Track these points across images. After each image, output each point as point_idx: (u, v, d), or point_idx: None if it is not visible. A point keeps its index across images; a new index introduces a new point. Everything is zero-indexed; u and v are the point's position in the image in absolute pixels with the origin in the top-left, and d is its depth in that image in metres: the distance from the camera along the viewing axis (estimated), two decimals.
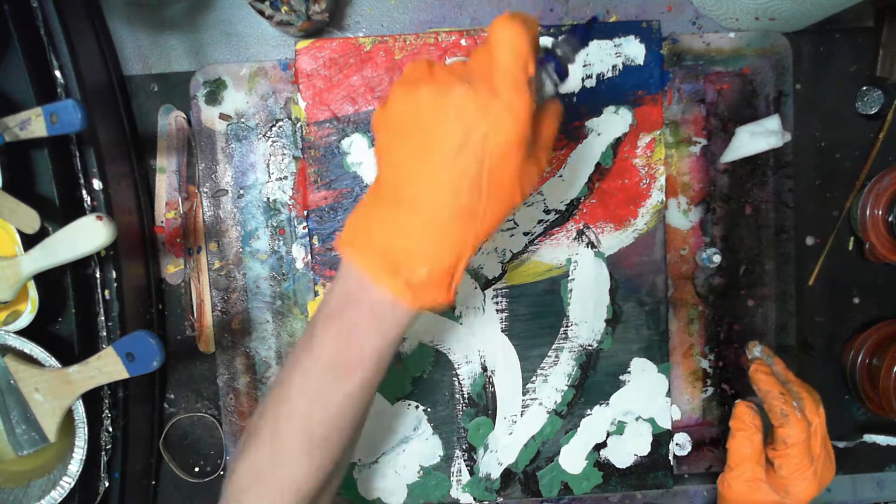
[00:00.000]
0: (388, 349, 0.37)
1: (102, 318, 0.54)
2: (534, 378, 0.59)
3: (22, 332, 0.51)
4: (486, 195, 0.34)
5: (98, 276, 0.53)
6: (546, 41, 0.41)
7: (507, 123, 0.32)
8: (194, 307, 0.62)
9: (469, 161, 0.33)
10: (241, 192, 0.60)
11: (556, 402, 0.60)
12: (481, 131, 0.32)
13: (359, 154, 0.57)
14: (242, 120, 0.60)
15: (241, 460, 0.41)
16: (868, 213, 0.61)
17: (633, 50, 0.57)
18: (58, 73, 0.51)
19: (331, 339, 0.37)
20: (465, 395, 0.59)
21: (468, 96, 0.32)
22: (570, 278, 0.59)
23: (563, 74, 0.38)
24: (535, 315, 0.59)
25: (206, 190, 0.60)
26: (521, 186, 0.35)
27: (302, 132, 0.57)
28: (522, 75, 0.33)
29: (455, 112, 0.33)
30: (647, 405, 0.60)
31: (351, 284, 0.37)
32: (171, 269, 0.62)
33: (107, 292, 0.54)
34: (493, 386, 0.59)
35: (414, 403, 0.59)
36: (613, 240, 0.59)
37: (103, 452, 0.54)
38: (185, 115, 0.60)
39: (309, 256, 0.60)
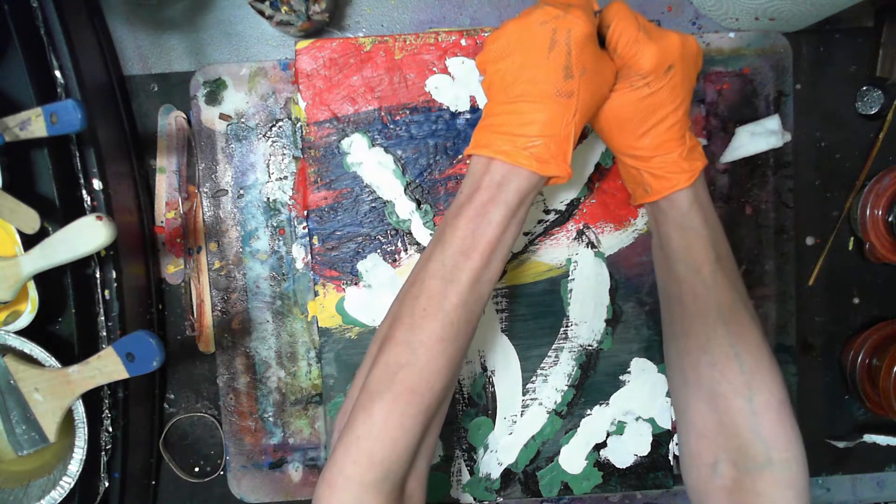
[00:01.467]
0: (512, 219, 0.43)
1: (102, 318, 0.54)
2: (534, 378, 0.59)
3: (22, 332, 0.51)
4: (577, 76, 0.42)
5: (98, 276, 0.53)
6: None
7: (581, 20, 0.41)
8: (194, 307, 0.62)
9: (560, 53, 0.41)
10: (241, 192, 0.60)
11: (556, 402, 0.60)
12: (565, 29, 0.41)
13: (359, 154, 0.57)
14: (242, 120, 0.60)
15: (373, 367, 0.43)
16: (868, 213, 0.61)
17: None
18: (58, 73, 0.51)
19: (463, 224, 0.42)
20: (465, 395, 0.59)
21: (548, 12, 0.42)
22: (570, 278, 0.59)
23: None
24: (535, 315, 0.59)
25: (206, 190, 0.60)
26: (602, 67, 0.43)
27: (302, 132, 0.57)
28: None
29: (540, 24, 0.42)
30: (647, 405, 0.60)
31: (476, 174, 0.43)
32: (171, 269, 0.62)
33: (107, 292, 0.54)
34: (492, 386, 0.59)
35: None
36: (613, 240, 0.59)
37: (103, 452, 0.55)
38: (185, 115, 0.60)
39: (309, 256, 0.60)
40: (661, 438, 0.60)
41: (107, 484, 0.55)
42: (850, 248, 0.65)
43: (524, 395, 0.59)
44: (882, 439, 0.62)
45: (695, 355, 0.44)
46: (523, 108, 0.42)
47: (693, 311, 0.45)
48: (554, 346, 0.59)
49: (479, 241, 0.42)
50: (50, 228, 0.51)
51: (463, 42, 0.57)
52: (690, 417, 0.45)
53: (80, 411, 0.51)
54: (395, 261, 0.58)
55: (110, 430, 0.55)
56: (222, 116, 0.59)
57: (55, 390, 0.50)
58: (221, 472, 0.63)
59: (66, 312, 0.53)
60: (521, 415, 0.59)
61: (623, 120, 0.46)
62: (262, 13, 0.55)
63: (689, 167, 0.45)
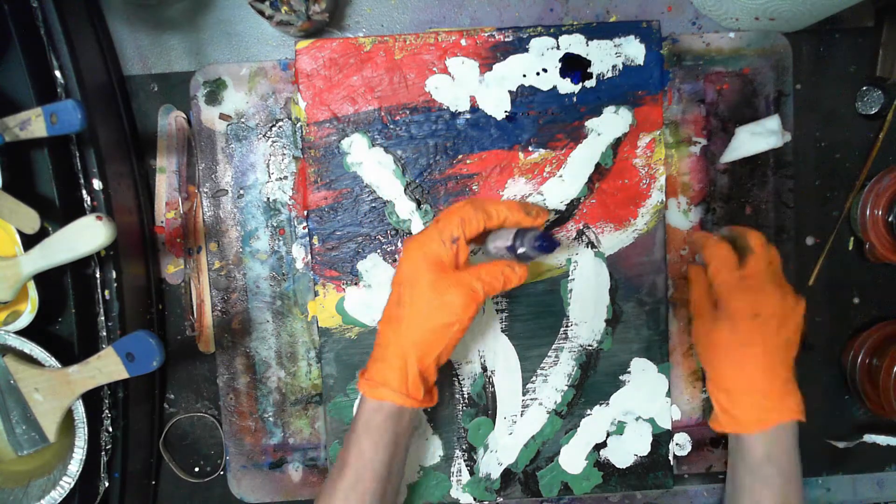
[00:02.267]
0: (381, 451, 0.49)
1: (102, 318, 0.54)
2: (534, 378, 0.59)
3: (22, 332, 0.51)
4: (406, 306, 0.49)
5: (98, 276, 0.53)
6: (522, 235, 0.50)
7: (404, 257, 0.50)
8: (194, 307, 0.62)
9: (393, 288, 0.51)
10: (241, 192, 0.60)
11: (556, 402, 0.60)
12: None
13: (359, 154, 0.57)
14: (242, 120, 0.60)
15: None
16: (868, 213, 0.61)
17: (633, 50, 0.57)
18: (58, 73, 0.51)
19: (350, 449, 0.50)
20: (465, 395, 0.59)
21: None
22: (570, 278, 0.59)
23: (515, 250, 0.50)
24: (535, 315, 0.59)
25: (206, 190, 0.60)
26: (433, 300, 0.48)
27: (302, 132, 0.57)
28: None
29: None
30: (647, 405, 0.60)
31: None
32: (171, 269, 0.62)
33: (107, 292, 0.54)
34: (492, 386, 0.59)
35: None
36: (613, 240, 0.59)
37: (103, 452, 0.55)
38: (185, 115, 0.60)
39: (309, 256, 0.60)
40: (661, 438, 0.60)
41: (107, 484, 0.55)
42: (850, 248, 0.65)
43: (524, 395, 0.59)
44: (882, 439, 0.62)
45: None
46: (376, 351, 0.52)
47: None
48: (554, 346, 0.59)
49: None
50: (50, 228, 0.51)
51: (463, 42, 0.57)
52: None
53: (80, 411, 0.51)
54: (395, 261, 0.58)
55: (110, 430, 0.55)
56: (222, 116, 0.59)
57: (55, 390, 0.50)
58: (221, 472, 0.63)
59: (66, 312, 0.53)
60: (521, 415, 0.59)
61: (714, 346, 0.52)
62: (262, 13, 0.55)
63: (762, 416, 0.49)
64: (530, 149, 0.58)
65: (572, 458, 0.60)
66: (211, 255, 0.60)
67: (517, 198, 0.58)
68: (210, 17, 0.60)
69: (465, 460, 0.60)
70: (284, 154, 0.60)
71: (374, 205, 0.58)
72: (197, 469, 0.64)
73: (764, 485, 0.50)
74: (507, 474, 0.60)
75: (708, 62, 0.61)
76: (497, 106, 0.57)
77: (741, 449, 0.51)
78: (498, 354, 0.59)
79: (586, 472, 0.60)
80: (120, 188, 0.56)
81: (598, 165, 0.58)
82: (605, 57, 0.57)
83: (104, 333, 0.54)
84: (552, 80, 0.57)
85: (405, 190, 0.58)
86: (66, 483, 0.52)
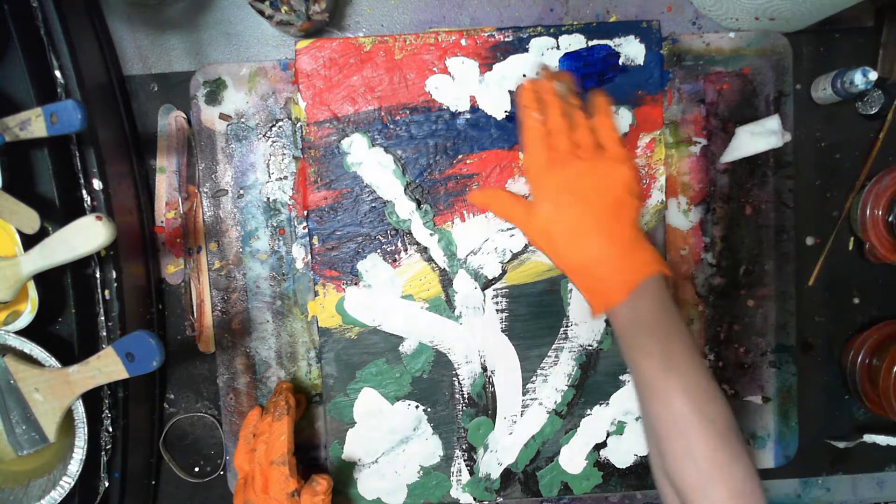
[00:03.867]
0: None
1: (102, 318, 0.54)
2: (534, 378, 0.59)
3: (22, 332, 0.51)
4: None
5: (98, 276, 0.53)
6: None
7: None
8: (194, 307, 0.62)
9: None
10: (241, 192, 0.60)
11: (556, 402, 0.59)
12: None
13: (359, 154, 0.57)
14: (242, 120, 0.60)
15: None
16: (868, 213, 0.61)
17: (633, 50, 0.57)
18: (58, 73, 0.51)
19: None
20: (465, 395, 0.59)
21: None
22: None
23: None
24: (535, 315, 0.59)
25: (206, 190, 0.60)
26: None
27: (302, 132, 0.57)
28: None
29: None
30: None
31: None
32: (171, 269, 0.62)
33: (107, 292, 0.54)
34: (492, 386, 0.59)
35: (414, 403, 0.59)
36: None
37: (103, 452, 0.54)
38: (185, 115, 0.60)
39: (309, 256, 0.60)
40: None
41: (107, 484, 0.55)
42: (851, 248, 0.65)
43: (524, 394, 0.59)
44: (882, 439, 0.62)
45: (661, 454, 0.45)
46: None
47: (649, 415, 0.45)
48: (554, 346, 0.59)
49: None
50: (50, 228, 0.51)
51: (463, 42, 0.57)
52: (667, 500, 0.46)
53: (79, 411, 0.51)
54: (394, 261, 0.58)
55: (110, 430, 0.55)
56: (222, 116, 0.59)
57: (55, 390, 0.50)
58: (221, 472, 0.63)
59: (66, 312, 0.53)
60: (521, 415, 0.59)
61: (546, 233, 0.48)
62: (262, 13, 0.55)
63: (619, 278, 0.46)
64: None
65: (572, 458, 0.60)
66: (211, 255, 0.60)
67: None
68: (210, 17, 0.60)
69: (465, 460, 0.60)
70: (284, 154, 0.60)
71: (374, 205, 0.58)
72: (197, 469, 0.64)
73: (641, 354, 0.45)
74: (507, 474, 0.60)
75: (708, 62, 0.61)
76: (497, 106, 0.57)
77: (614, 325, 0.47)
78: (498, 354, 0.59)
79: (586, 471, 0.60)
80: (120, 188, 0.56)
81: None
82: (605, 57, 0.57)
83: (104, 333, 0.54)
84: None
85: (405, 190, 0.58)
86: (66, 483, 0.52)
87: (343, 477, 0.59)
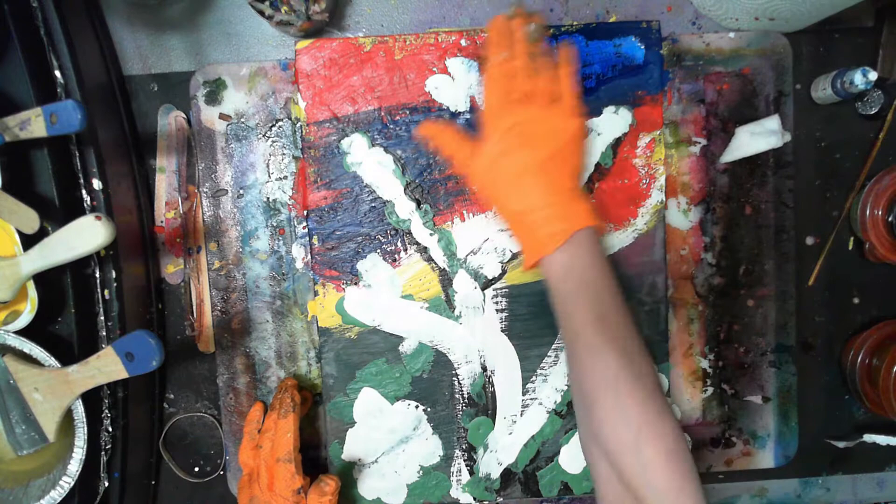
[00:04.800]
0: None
1: (102, 317, 0.54)
2: (533, 378, 0.59)
3: (21, 332, 0.51)
4: None
5: (98, 275, 0.53)
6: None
7: None
8: (194, 307, 0.62)
9: None
10: (241, 191, 0.60)
11: (555, 402, 0.59)
12: None
13: (359, 154, 0.57)
14: (242, 120, 0.60)
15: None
16: (868, 212, 0.61)
17: (633, 50, 0.57)
18: (58, 73, 0.51)
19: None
20: (465, 395, 0.59)
21: None
22: None
23: None
24: (535, 315, 0.59)
25: (205, 190, 0.60)
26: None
27: (302, 132, 0.57)
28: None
29: None
30: None
31: None
32: (171, 269, 0.62)
33: (106, 292, 0.54)
34: (492, 386, 0.59)
35: (414, 403, 0.59)
36: (613, 240, 0.59)
37: (103, 452, 0.54)
38: (184, 115, 0.60)
39: (309, 256, 0.60)
40: None
41: (106, 484, 0.55)
42: (850, 247, 0.65)
43: (524, 394, 0.59)
44: (882, 439, 0.62)
45: (590, 414, 0.44)
46: None
47: (580, 371, 0.44)
48: (554, 346, 0.59)
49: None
50: (49, 228, 0.51)
51: (463, 42, 0.57)
52: (598, 471, 0.44)
53: (79, 411, 0.51)
54: (394, 260, 0.58)
55: (110, 429, 0.55)
56: (222, 116, 0.59)
57: (55, 390, 0.50)
58: (221, 472, 0.63)
59: (66, 312, 0.53)
60: (521, 414, 0.59)
61: (488, 174, 0.48)
62: (262, 13, 0.55)
63: (553, 227, 0.45)
64: None
65: (572, 458, 0.60)
66: (211, 255, 0.60)
67: None
68: (210, 17, 0.60)
69: (464, 460, 0.60)
70: (284, 154, 0.60)
71: (373, 204, 0.58)
72: (197, 469, 0.64)
73: (574, 306, 0.45)
74: (507, 474, 0.60)
75: (708, 62, 0.61)
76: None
77: (547, 277, 0.47)
78: (498, 354, 0.59)
79: (586, 471, 0.60)
80: (120, 188, 0.56)
81: (597, 165, 0.58)
82: (604, 57, 0.57)
83: (104, 333, 0.54)
84: None
85: (405, 190, 0.58)
86: (66, 483, 0.52)
87: (343, 477, 0.59)
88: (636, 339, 0.44)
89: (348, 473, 0.59)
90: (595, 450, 0.44)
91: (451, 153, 0.50)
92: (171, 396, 0.63)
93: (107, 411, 0.54)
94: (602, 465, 0.44)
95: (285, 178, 0.60)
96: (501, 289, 0.59)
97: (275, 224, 0.61)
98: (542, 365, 0.59)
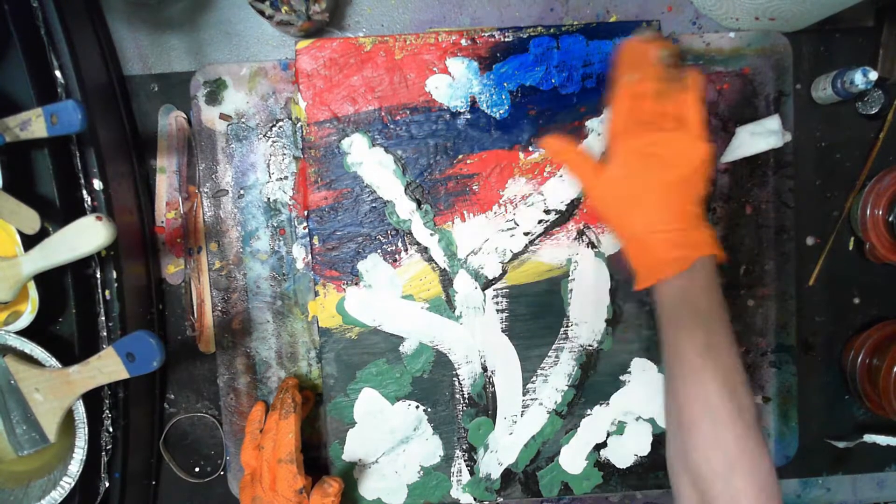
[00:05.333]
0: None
1: (103, 318, 0.54)
2: (534, 378, 0.59)
3: (22, 333, 0.51)
4: None
5: (98, 276, 0.53)
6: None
7: None
8: (194, 307, 0.62)
9: None
10: (242, 192, 0.60)
11: (556, 402, 0.60)
12: None
13: (359, 154, 0.57)
14: (243, 120, 0.60)
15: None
16: (868, 213, 0.61)
17: None
18: (58, 74, 0.51)
19: None
20: (466, 395, 0.59)
21: None
22: (570, 278, 0.59)
23: None
24: (536, 315, 0.59)
25: (206, 190, 0.60)
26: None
27: (302, 132, 0.57)
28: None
29: None
30: (647, 405, 0.60)
31: None
32: (172, 270, 0.62)
33: (107, 292, 0.54)
34: (493, 386, 0.59)
35: (414, 403, 0.59)
36: (614, 240, 0.59)
37: (103, 452, 0.55)
38: (185, 115, 0.60)
39: (309, 256, 0.60)
40: (661, 438, 0.60)
41: (107, 484, 0.55)
42: (851, 247, 0.65)
43: (524, 395, 0.59)
44: (882, 439, 0.62)
45: (685, 439, 0.44)
46: None
47: (680, 397, 0.45)
48: (554, 346, 0.59)
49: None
50: (50, 229, 0.51)
51: (463, 42, 0.57)
52: (682, 494, 0.45)
53: (80, 411, 0.51)
54: (395, 261, 0.58)
55: (111, 430, 0.55)
56: (222, 116, 0.59)
57: (55, 390, 0.50)
58: (222, 473, 0.63)
59: (67, 312, 0.53)
60: (522, 415, 0.59)
61: (611, 193, 0.48)
62: (262, 13, 0.55)
63: (672, 253, 0.45)
64: (530, 149, 0.58)
65: (572, 458, 0.60)
66: (211, 256, 0.60)
67: (517, 198, 0.58)
68: (210, 17, 0.60)
69: (465, 460, 0.60)
70: (285, 154, 0.60)
71: (374, 205, 0.58)
72: (197, 469, 0.64)
73: (683, 333, 0.45)
74: (508, 474, 0.60)
75: (708, 62, 0.61)
76: (497, 106, 0.57)
77: (660, 301, 0.47)
78: (498, 354, 0.59)
79: (587, 472, 0.60)
80: (120, 188, 0.56)
81: None
82: (605, 56, 0.57)
83: (104, 333, 0.54)
84: (552, 80, 0.57)
85: (405, 190, 0.58)
86: (67, 483, 0.52)
87: (344, 477, 0.59)
88: (741, 372, 0.45)
89: (349, 474, 0.59)
90: (683, 474, 0.45)
91: (574, 170, 0.50)
92: (172, 397, 0.63)
93: (107, 412, 0.54)
94: (687, 489, 0.44)
95: (286, 178, 0.60)
96: (502, 289, 0.59)
97: (275, 224, 0.61)
98: (542, 365, 0.59)
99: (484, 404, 0.59)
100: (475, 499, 0.60)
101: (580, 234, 0.59)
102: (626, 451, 0.60)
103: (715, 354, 0.44)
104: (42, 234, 0.49)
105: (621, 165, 0.47)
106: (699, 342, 0.44)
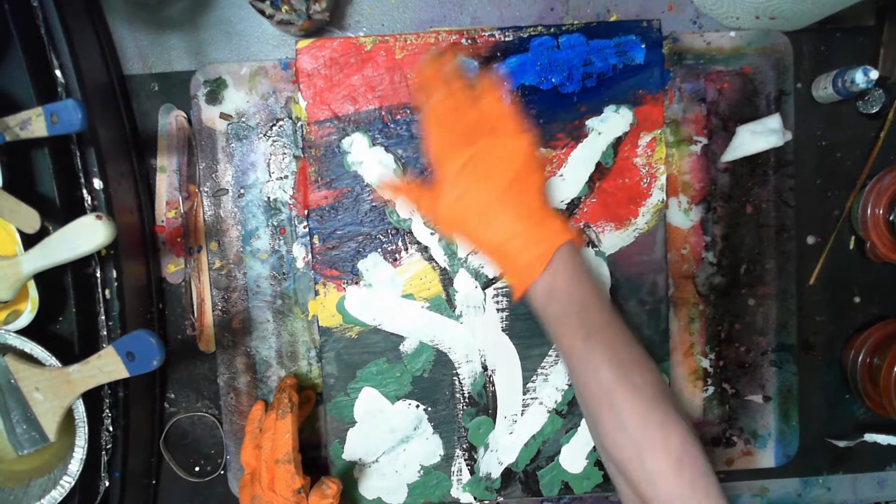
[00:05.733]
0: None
1: (103, 317, 0.54)
2: (534, 377, 0.59)
3: (22, 332, 0.51)
4: None
5: (98, 275, 0.53)
6: None
7: None
8: (195, 306, 0.62)
9: None
10: (242, 191, 0.60)
11: (556, 402, 0.59)
12: None
13: (359, 153, 0.57)
14: (243, 119, 0.60)
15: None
16: (869, 212, 0.61)
17: (634, 49, 0.57)
18: (58, 73, 0.51)
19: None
20: (466, 395, 0.59)
21: None
22: None
23: None
24: None
25: (206, 189, 0.60)
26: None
27: (302, 131, 0.57)
28: None
29: None
30: None
31: None
32: (172, 269, 0.62)
33: (107, 291, 0.54)
34: (493, 385, 0.59)
35: (414, 403, 0.59)
36: (614, 239, 0.59)
37: (103, 452, 0.55)
38: (185, 115, 0.60)
39: (309, 256, 0.60)
40: None
41: (107, 483, 0.55)
42: (852, 247, 0.65)
43: (525, 394, 0.59)
44: (883, 438, 0.62)
45: (595, 429, 0.44)
46: None
47: (578, 389, 0.45)
48: (554, 346, 0.59)
49: None
50: (50, 228, 0.51)
51: (463, 41, 0.57)
52: (616, 482, 0.45)
53: (80, 410, 0.51)
54: (395, 260, 0.58)
55: (111, 429, 0.55)
56: (223, 116, 0.59)
57: (55, 389, 0.50)
58: (222, 472, 0.63)
59: (67, 312, 0.53)
60: (522, 414, 0.59)
61: (452, 215, 0.47)
62: (262, 12, 0.55)
63: (534, 249, 0.45)
64: None
65: (573, 458, 0.60)
66: (211, 255, 0.60)
67: None
68: (210, 16, 0.60)
69: (465, 460, 0.60)
70: (285, 153, 0.60)
71: (374, 204, 0.58)
72: (197, 468, 0.64)
73: (562, 327, 0.44)
74: (508, 473, 0.60)
75: (709, 61, 0.61)
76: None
77: (534, 307, 0.46)
78: (498, 354, 0.59)
79: (587, 471, 0.60)
80: (120, 187, 0.56)
81: (598, 164, 0.58)
82: (605, 56, 0.57)
83: (104, 333, 0.54)
84: (552, 79, 0.57)
85: None
86: (67, 482, 0.52)
87: (344, 476, 0.59)
88: (631, 349, 0.44)
89: (349, 473, 0.59)
90: (608, 463, 0.44)
91: (413, 204, 0.50)
92: (172, 396, 0.63)
93: (107, 411, 0.54)
94: (618, 477, 0.44)
95: (286, 177, 0.60)
96: (502, 288, 0.58)
97: (275, 223, 0.61)
98: (542, 364, 0.59)
99: (484, 403, 0.59)
100: (475, 498, 0.60)
101: (580, 233, 0.59)
102: None
103: (597, 340, 0.43)
104: (42, 234, 0.49)
105: (452, 187, 0.46)
106: (579, 333, 0.44)
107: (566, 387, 0.59)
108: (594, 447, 0.59)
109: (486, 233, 0.46)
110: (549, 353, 0.59)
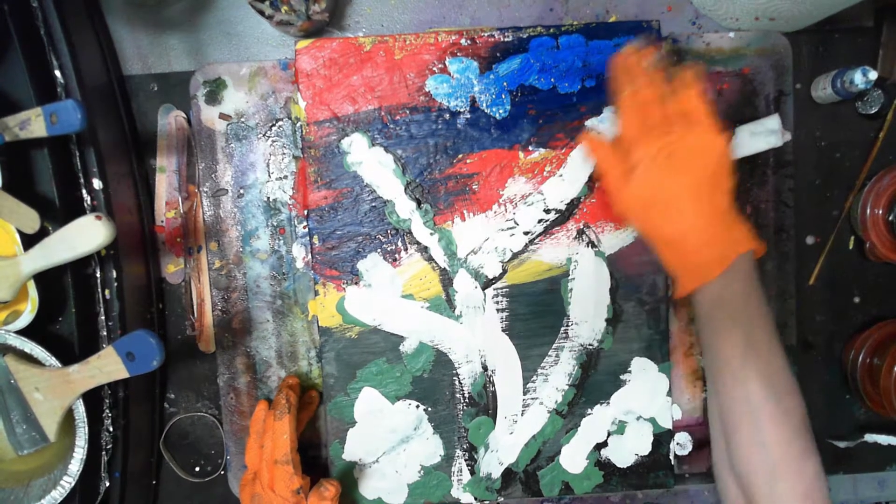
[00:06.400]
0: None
1: (103, 317, 0.54)
2: (534, 377, 0.59)
3: (22, 332, 0.51)
4: None
5: (98, 275, 0.53)
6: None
7: None
8: (194, 307, 0.62)
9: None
10: (241, 191, 0.60)
11: (556, 402, 0.59)
12: None
13: (359, 153, 0.57)
14: (242, 119, 0.60)
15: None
16: (868, 212, 0.61)
17: None
18: (58, 73, 0.51)
19: None
20: (466, 395, 0.59)
21: None
22: (570, 278, 0.59)
23: None
24: (536, 314, 0.59)
25: (206, 189, 0.60)
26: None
27: (302, 132, 0.57)
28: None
29: None
30: (647, 405, 0.60)
31: None
32: (172, 269, 0.62)
33: (107, 292, 0.54)
34: (493, 385, 0.59)
35: (414, 403, 0.59)
36: (614, 239, 0.59)
37: (104, 452, 0.54)
38: (185, 115, 0.60)
39: (309, 256, 0.60)
40: (661, 438, 0.60)
41: (107, 483, 0.55)
42: (851, 247, 0.65)
43: (525, 394, 0.59)
44: (883, 439, 0.62)
45: (728, 441, 0.44)
46: None
47: (723, 400, 0.45)
48: (554, 346, 0.59)
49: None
50: (50, 228, 0.51)
51: (463, 42, 0.57)
52: (728, 495, 0.45)
53: (80, 411, 0.51)
54: (395, 260, 0.58)
55: (111, 429, 0.55)
56: (222, 116, 0.59)
57: (55, 390, 0.50)
58: (222, 472, 0.63)
59: (67, 312, 0.53)
60: (522, 414, 0.59)
61: (640, 202, 0.47)
62: (262, 13, 0.55)
63: (712, 253, 0.44)
64: (530, 148, 0.58)
65: (573, 458, 0.60)
66: (211, 255, 0.60)
67: (517, 197, 0.58)
68: (210, 16, 0.60)
69: (465, 460, 0.60)
70: (284, 153, 0.60)
71: (374, 204, 0.58)
72: (197, 469, 0.64)
73: (723, 335, 0.44)
74: (508, 474, 0.60)
75: (708, 62, 0.61)
76: (497, 106, 0.57)
77: (698, 304, 0.46)
78: (498, 354, 0.59)
79: (587, 471, 0.60)
80: (120, 188, 0.56)
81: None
82: (605, 57, 0.57)
83: (104, 333, 0.54)
84: (552, 79, 0.57)
85: (405, 189, 0.58)
86: (67, 483, 0.52)
87: (344, 477, 0.59)
88: (786, 374, 0.44)
89: (349, 473, 0.59)
90: (729, 476, 0.45)
91: (604, 171, 0.50)
92: (172, 396, 0.63)
93: (107, 411, 0.54)
94: (733, 489, 0.44)
95: (285, 177, 0.60)
96: (502, 288, 0.59)
97: (275, 224, 0.61)
98: (542, 364, 0.59)
99: (484, 404, 0.59)
100: (476, 498, 0.60)
101: (580, 233, 0.59)
102: (627, 451, 0.60)
103: (756, 356, 0.43)
104: (42, 234, 0.49)
105: (644, 174, 0.46)
106: (740, 345, 0.43)
107: (566, 387, 0.59)
108: (594, 447, 0.59)
109: (670, 222, 0.46)
110: (549, 354, 0.59)
